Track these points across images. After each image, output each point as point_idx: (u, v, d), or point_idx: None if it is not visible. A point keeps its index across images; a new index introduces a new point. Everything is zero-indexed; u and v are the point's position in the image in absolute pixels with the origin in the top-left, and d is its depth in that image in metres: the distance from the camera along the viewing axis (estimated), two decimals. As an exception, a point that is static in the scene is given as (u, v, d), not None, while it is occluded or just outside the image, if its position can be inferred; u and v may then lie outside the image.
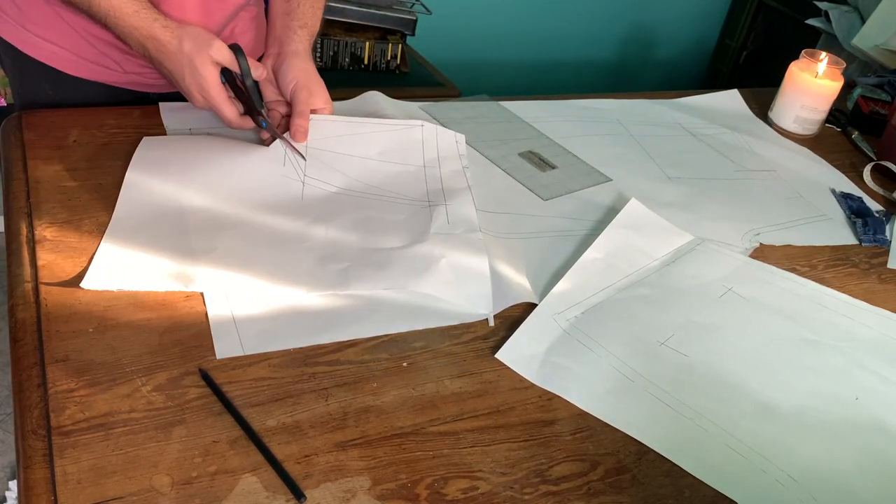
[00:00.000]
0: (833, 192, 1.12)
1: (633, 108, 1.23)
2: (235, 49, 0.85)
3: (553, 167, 1.01)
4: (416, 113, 1.05)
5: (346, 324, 0.70)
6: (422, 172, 0.90)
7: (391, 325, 0.71)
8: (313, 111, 0.89)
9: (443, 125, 1.04)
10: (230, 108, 0.86)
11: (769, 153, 1.19)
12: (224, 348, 0.65)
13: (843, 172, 1.19)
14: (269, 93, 0.93)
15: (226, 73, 0.87)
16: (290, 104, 0.90)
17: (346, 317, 0.71)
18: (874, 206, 1.11)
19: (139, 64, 0.97)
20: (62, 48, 0.94)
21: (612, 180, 1.01)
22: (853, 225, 1.04)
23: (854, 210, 1.07)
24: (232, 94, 0.88)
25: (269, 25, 0.98)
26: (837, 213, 1.07)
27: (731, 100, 1.34)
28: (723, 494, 0.62)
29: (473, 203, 0.86)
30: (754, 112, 1.33)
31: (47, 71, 0.95)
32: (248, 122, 0.88)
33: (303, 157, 0.86)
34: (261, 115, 0.88)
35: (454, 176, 0.91)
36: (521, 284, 0.78)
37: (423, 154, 0.92)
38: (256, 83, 0.89)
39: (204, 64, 0.83)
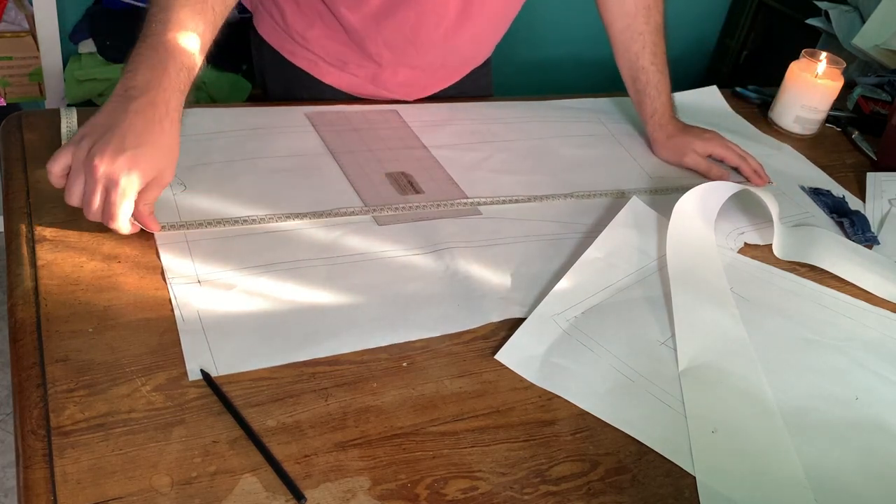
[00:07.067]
0: (802, 188, 1.10)
1: (613, 107, 1.23)
2: None
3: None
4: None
5: (322, 339, 0.68)
6: None
7: (370, 340, 0.69)
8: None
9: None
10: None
11: (750, 151, 1.17)
12: (196, 370, 0.63)
13: (844, 172, 1.19)
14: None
15: None
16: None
17: (323, 332, 0.69)
18: (845, 200, 1.08)
19: (394, 82, 1.02)
20: (319, 57, 0.98)
21: (596, 182, 1.00)
22: (840, 225, 1.03)
23: (830, 207, 1.05)
24: None
25: (638, 109, 1.11)
26: (817, 211, 1.05)
27: (710, 97, 1.33)
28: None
29: None
30: (753, 112, 1.32)
31: (302, 77, 0.99)
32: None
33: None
34: None
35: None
36: (506, 298, 0.77)
37: None
38: None
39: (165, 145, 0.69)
